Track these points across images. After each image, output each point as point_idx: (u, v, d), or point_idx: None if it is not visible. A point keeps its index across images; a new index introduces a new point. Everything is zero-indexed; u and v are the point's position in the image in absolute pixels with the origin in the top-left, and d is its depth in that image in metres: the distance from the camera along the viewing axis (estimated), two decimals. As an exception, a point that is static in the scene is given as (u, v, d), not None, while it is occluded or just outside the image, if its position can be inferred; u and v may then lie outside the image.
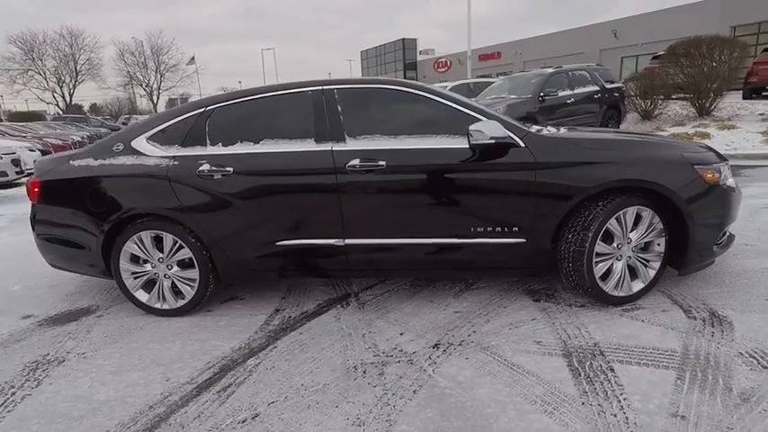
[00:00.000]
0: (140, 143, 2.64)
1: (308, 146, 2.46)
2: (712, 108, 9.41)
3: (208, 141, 2.56)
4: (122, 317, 2.73)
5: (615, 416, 1.60)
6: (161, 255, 2.62)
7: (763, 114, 8.74)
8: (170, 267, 2.64)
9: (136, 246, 2.61)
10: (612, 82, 9.58)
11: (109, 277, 2.77)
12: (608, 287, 2.36)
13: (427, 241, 2.44)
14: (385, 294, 2.84)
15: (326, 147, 2.44)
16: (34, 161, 4.85)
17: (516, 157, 2.30)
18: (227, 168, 2.47)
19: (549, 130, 2.63)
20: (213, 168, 2.48)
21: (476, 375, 1.91)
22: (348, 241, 2.47)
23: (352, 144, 2.43)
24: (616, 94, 9.28)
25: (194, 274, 2.61)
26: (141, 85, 46.18)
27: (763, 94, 12.04)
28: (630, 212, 2.30)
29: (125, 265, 2.64)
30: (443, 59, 50.90)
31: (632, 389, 1.74)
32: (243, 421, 1.72)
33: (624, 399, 1.69)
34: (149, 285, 2.69)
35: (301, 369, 2.05)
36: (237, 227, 2.52)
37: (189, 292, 2.65)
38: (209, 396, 1.89)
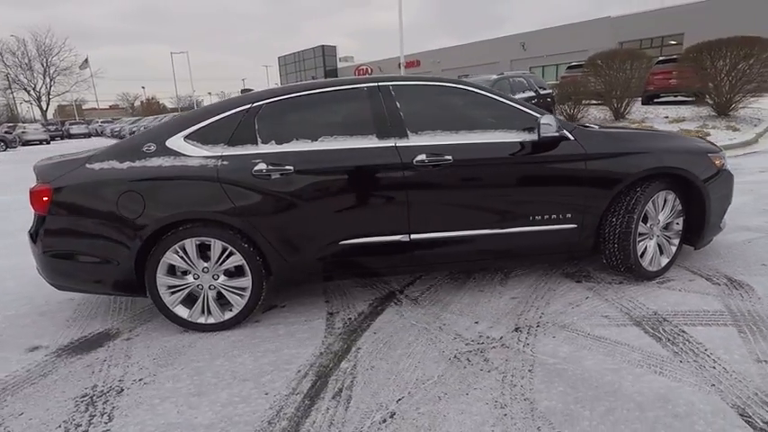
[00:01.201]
0: (177, 143, 2.41)
1: (371, 142, 2.44)
2: (626, 112, 10.81)
3: (259, 139, 2.41)
4: (157, 336, 2.45)
5: (714, 368, 1.83)
6: (205, 264, 2.40)
7: (667, 117, 10.24)
8: (216, 277, 2.43)
9: (177, 256, 2.36)
10: (544, 88, 10.57)
11: (138, 295, 2.47)
12: (645, 263, 2.66)
13: (489, 232, 2.53)
14: (431, 289, 2.88)
15: (390, 143, 2.43)
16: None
17: (569, 149, 2.50)
18: (287, 167, 2.34)
19: (586, 126, 2.88)
20: (270, 167, 2.34)
21: (574, 350, 2.05)
22: (414, 236, 2.48)
23: (415, 140, 2.45)
24: (549, 99, 10.25)
25: (245, 282, 2.43)
26: (26, 90, 40.43)
27: (655, 101, 14.07)
28: (662, 196, 2.62)
29: (162, 279, 2.38)
30: (364, 67, 51.63)
31: (711, 345, 1.99)
32: (383, 421, 1.66)
33: (711, 353, 1.93)
34: (188, 299, 2.45)
35: (404, 365, 2.03)
36: (298, 228, 2.41)
37: (239, 302, 2.46)
38: (327, 403, 1.79)
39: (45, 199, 2.33)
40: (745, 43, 8.37)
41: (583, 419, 1.59)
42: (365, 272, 2.63)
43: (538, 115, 2.53)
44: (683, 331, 2.13)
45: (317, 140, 2.43)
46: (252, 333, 2.44)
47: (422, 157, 2.40)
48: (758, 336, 2.04)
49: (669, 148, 2.62)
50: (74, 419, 1.78)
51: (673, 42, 26.32)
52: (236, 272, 2.44)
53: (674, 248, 2.77)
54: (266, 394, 1.88)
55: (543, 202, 2.54)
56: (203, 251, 2.40)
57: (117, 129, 31.32)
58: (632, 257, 2.59)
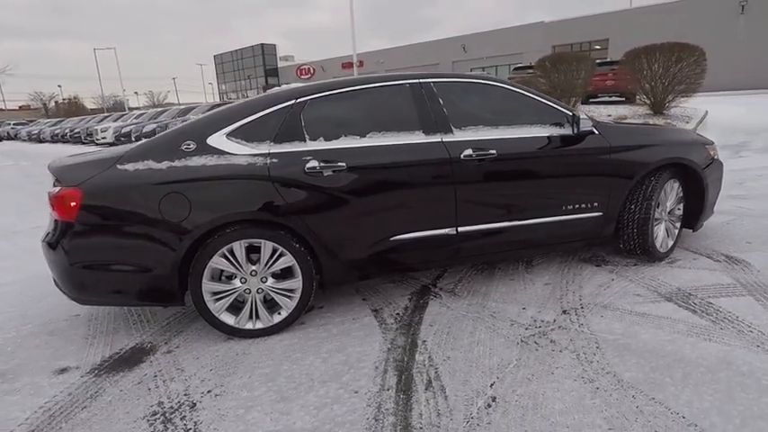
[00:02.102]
0: (219, 141, 2.28)
1: (418, 138, 2.47)
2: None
3: (306, 136, 2.35)
4: (202, 346, 2.31)
5: (752, 331, 2.08)
6: (253, 267, 2.30)
7: (610, 116, 11.17)
8: (264, 280, 2.34)
9: (224, 259, 2.24)
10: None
11: (175, 304, 2.31)
12: (657, 246, 2.93)
13: (528, 222, 2.66)
14: (462, 281, 2.96)
15: (436, 138, 2.48)
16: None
17: (595, 142, 2.69)
18: (340, 164, 2.31)
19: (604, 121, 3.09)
20: (323, 164, 2.29)
21: (626, 327, 2.22)
22: (461, 229, 2.55)
23: (459, 135, 2.51)
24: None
25: (294, 283, 2.36)
26: None
27: (591, 100, 15.27)
28: (670, 184, 2.90)
29: (208, 285, 2.25)
30: (306, 66, 50.88)
31: (739, 313, 2.26)
32: (488, 406, 1.71)
33: (743, 320, 2.19)
34: (233, 304, 2.33)
35: (477, 353, 2.09)
36: (352, 225, 2.38)
37: (288, 304, 2.38)
38: (424, 395, 1.80)
39: (73, 204, 2.11)
40: (676, 49, 9.36)
41: (668, 385, 1.75)
42: (413, 267, 2.65)
43: (566, 111, 2.70)
44: (711, 303, 2.39)
45: (365, 137, 2.42)
46: (304, 335, 2.38)
47: (468, 151, 2.47)
48: (773, 302, 2.34)
49: (676, 140, 2.91)
50: (156, 439, 1.65)
51: (597, 47, 28.63)
52: (285, 273, 2.36)
53: (676, 231, 3.07)
54: (356, 393, 1.85)
55: (575, 192, 2.71)
56: (250, 254, 2.30)
57: (35, 131, 28.30)
58: (650, 241, 2.84)
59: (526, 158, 2.59)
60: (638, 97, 11.02)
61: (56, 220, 2.23)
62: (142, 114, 21.35)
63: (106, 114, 26.12)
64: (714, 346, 1.99)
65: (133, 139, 17.25)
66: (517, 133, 2.60)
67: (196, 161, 2.22)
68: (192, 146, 2.26)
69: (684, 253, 3.10)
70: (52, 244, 2.22)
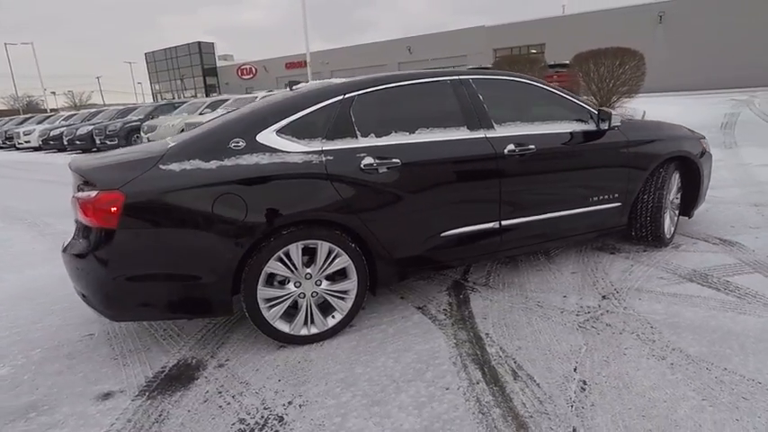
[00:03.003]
0: (269, 138, 2.16)
1: (463, 133, 2.49)
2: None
3: (358, 132, 2.29)
4: (255, 357, 2.17)
5: (775, 304, 2.33)
6: (308, 270, 2.20)
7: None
8: (318, 283, 2.24)
9: (280, 263, 2.13)
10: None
11: (224, 314, 2.16)
12: (665, 233, 3.17)
13: (561, 214, 2.77)
14: (491, 274, 3.03)
15: (480, 134, 2.52)
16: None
17: (616, 137, 2.87)
18: (394, 160, 2.27)
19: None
20: (378, 161, 2.25)
21: (666, 307, 2.39)
22: (504, 223, 2.60)
23: (501, 131, 2.57)
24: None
25: (348, 285, 2.29)
26: None
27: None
28: (675, 175, 3.16)
29: (263, 292, 2.12)
30: (248, 66, 49.26)
31: (757, 289, 2.51)
32: (582, 389, 1.77)
33: (763, 294, 2.43)
34: (282, 310, 2.22)
35: (545, 341, 2.15)
36: (406, 222, 2.35)
37: (343, 307, 2.31)
38: (516, 385, 1.83)
39: (114, 209, 1.89)
40: (619, 53, 10.19)
41: (731, 356, 1.91)
42: (458, 262, 2.67)
43: (589, 107, 2.86)
44: (728, 281, 2.63)
45: (414, 133, 2.40)
46: (360, 338, 2.31)
47: (511, 146, 2.54)
48: (780, 276, 2.63)
49: (678, 135, 3.17)
50: (258, 457, 1.53)
51: (534, 51, 30.36)
52: (339, 275, 2.29)
53: (676, 219, 3.35)
54: (447, 389, 1.83)
55: (600, 184, 2.87)
56: (306, 255, 2.20)
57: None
58: (661, 228, 3.08)
59: (560, 153, 2.71)
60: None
61: (88, 228, 1.99)
62: (72, 115, 19.51)
63: (27, 116, 23.55)
64: (751, 319, 2.20)
65: (65, 142, 15.73)
66: (549, 129, 2.71)
67: (248, 159, 2.08)
68: (241, 143, 2.11)
69: (683, 238, 3.39)
70: (84, 254, 1.99)
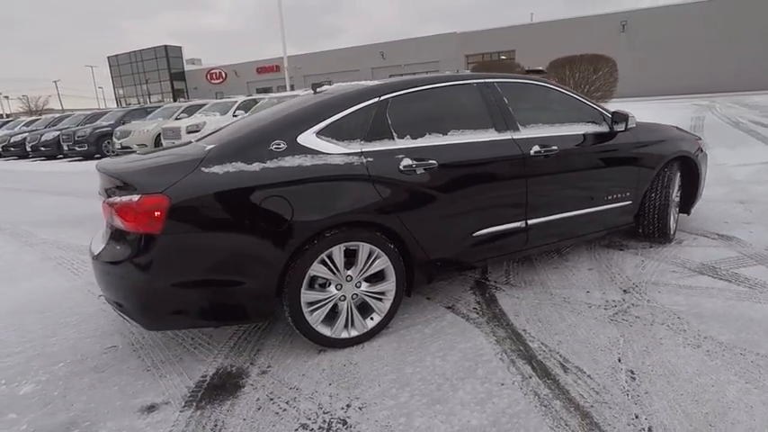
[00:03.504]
0: (310, 139, 2.15)
1: (492, 135, 2.55)
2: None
3: (394, 134, 2.31)
4: (298, 363, 2.14)
5: (785, 292, 2.49)
6: (348, 272, 2.20)
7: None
8: (358, 285, 2.24)
9: (323, 266, 2.11)
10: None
11: (264, 319, 2.13)
12: (670, 230, 3.34)
13: (579, 212, 2.87)
14: (510, 273, 3.09)
15: (507, 136, 2.58)
16: None
17: (626, 138, 3.00)
18: (431, 161, 2.30)
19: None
20: (415, 163, 2.27)
21: (686, 299, 2.51)
22: (530, 222, 2.67)
23: (525, 132, 2.64)
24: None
25: (386, 286, 2.30)
26: None
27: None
28: (677, 174, 3.32)
29: (306, 295, 2.10)
30: (217, 70, 48.30)
31: (764, 278, 2.67)
32: (632, 378, 1.84)
33: (770, 283, 2.61)
34: (325, 313, 2.20)
35: (582, 335, 2.21)
36: (442, 222, 2.38)
37: (382, 308, 2.31)
38: (566, 377, 1.88)
39: (158, 213, 1.83)
40: (594, 60, 10.64)
41: (761, 342, 2.03)
42: (487, 261, 2.71)
43: (602, 109, 2.98)
44: (736, 273, 2.79)
45: (447, 134, 2.44)
46: (399, 338, 2.32)
47: (536, 148, 2.61)
48: (782, 267, 2.82)
49: (679, 136, 3.35)
50: (332, 461, 1.51)
51: (503, 57, 31.22)
52: (377, 277, 2.29)
53: (677, 216, 3.53)
54: (503, 384, 1.87)
55: (615, 183, 2.99)
56: (348, 257, 2.19)
57: None
58: (668, 225, 3.24)
59: (579, 153, 2.81)
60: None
61: (126, 233, 1.92)
62: (34, 121, 18.54)
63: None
64: (767, 307, 2.35)
65: (29, 149, 14.94)
66: (568, 130, 2.81)
67: (291, 161, 2.06)
68: (282, 145, 2.09)
69: (684, 235, 3.57)
70: (122, 261, 1.91)
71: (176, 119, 12.45)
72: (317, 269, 2.10)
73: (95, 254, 2.07)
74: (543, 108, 2.88)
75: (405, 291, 2.37)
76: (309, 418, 1.74)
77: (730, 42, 23.49)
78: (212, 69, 48.20)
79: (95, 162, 2.42)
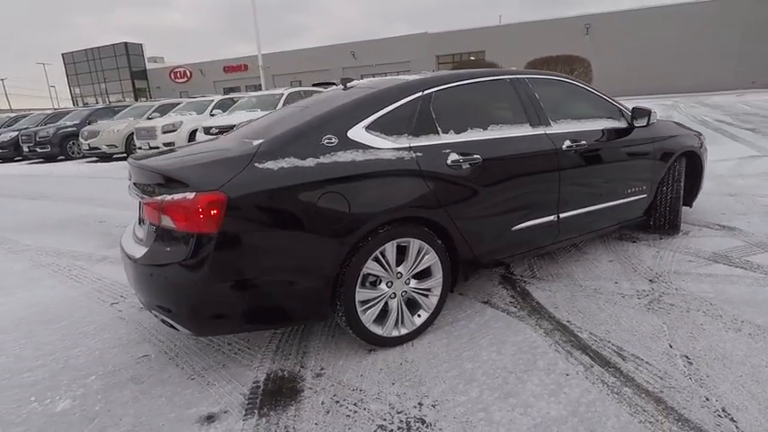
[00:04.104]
0: (360, 134, 2.10)
1: (528, 130, 2.58)
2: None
3: (439, 129, 2.29)
4: (352, 364, 2.09)
5: (799, 276, 2.65)
6: (398, 269, 2.16)
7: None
8: (407, 282, 2.21)
9: (377, 263, 2.07)
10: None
11: (322, 319, 2.07)
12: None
13: (603, 206, 2.95)
14: (533, 267, 3.14)
15: (540, 131, 2.62)
16: None
17: (643, 134, 3.11)
18: (475, 156, 2.30)
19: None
20: (462, 157, 2.26)
21: (711, 286, 2.62)
22: (561, 215, 2.72)
23: (556, 127, 2.69)
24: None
25: (433, 282, 2.28)
26: None
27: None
28: (684, 169, 3.47)
29: (360, 293, 2.05)
30: (182, 69, 46.68)
31: (774, 264, 2.84)
32: (690, 363, 1.90)
33: (783, 269, 2.77)
34: (377, 312, 2.16)
35: (626, 324, 2.27)
36: (485, 217, 2.38)
37: (429, 304, 2.29)
38: (627, 365, 1.92)
39: (214, 212, 1.74)
40: (570, 60, 11.01)
41: (795, 324, 2.15)
42: (522, 256, 2.72)
43: (620, 105, 3.08)
44: (748, 261, 2.95)
45: (487, 129, 2.44)
46: (447, 335, 2.30)
47: (568, 142, 2.66)
48: (788, 254, 3.00)
49: (684, 132, 3.50)
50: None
51: (473, 58, 31.78)
52: (424, 273, 2.26)
53: (682, 208, 3.69)
54: (568, 375, 1.89)
55: (634, 177, 3.09)
56: (399, 254, 2.15)
57: None
58: (678, 217, 3.38)
59: (604, 148, 2.88)
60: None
61: (176, 234, 1.80)
62: (-14, 121, 17.26)
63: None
64: (788, 291, 2.49)
65: (-17, 150, 13.88)
66: (594, 125, 2.88)
67: (344, 156, 2.00)
68: (333, 140, 2.03)
69: (688, 226, 3.73)
70: (171, 264, 1.79)
71: (148, 118, 11.95)
72: (370, 266, 2.06)
73: (136, 257, 1.93)
74: (569, 103, 2.93)
75: (449, 286, 2.37)
76: (385, 419, 1.70)
77: (687, 45, 24.88)
78: (176, 68, 46.52)
79: (128, 159, 2.28)
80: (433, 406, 1.76)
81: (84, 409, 1.86)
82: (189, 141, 10.68)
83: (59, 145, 12.81)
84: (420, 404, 1.78)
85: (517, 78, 2.68)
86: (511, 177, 2.47)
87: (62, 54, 49.42)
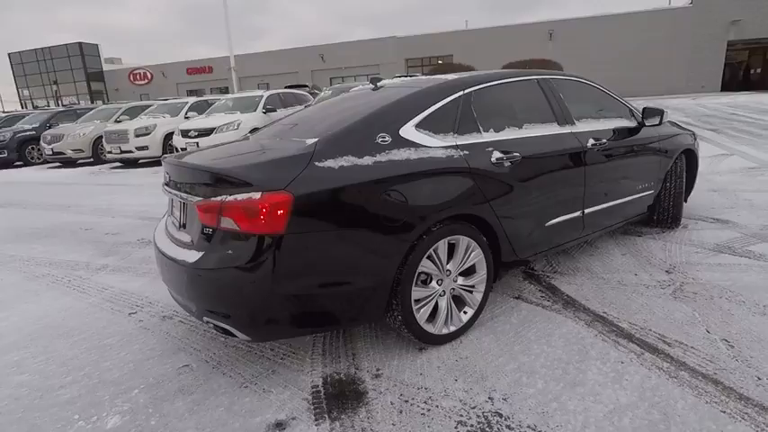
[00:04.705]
0: (410, 132, 2.11)
1: (556, 129, 2.66)
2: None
3: (480, 127, 2.32)
4: (406, 363, 2.09)
5: (799, 263, 2.86)
6: (448, 266, 2.18)
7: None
8: (455, 280, 2.23)
9: (430, 261, 2.08)
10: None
11: (378, 320, 2.05)
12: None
13: (619, 201, 3.08)
14: (551, 264, 3.23)
15: (567, 129, 2.71)
16: None
17: (651, 132, 3.27)
18: (515, 154, 2.35)
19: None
20: (504, 156, 2.30)
21: (723, 274, 2.79)
22: (586, 211, 2.81)
23: (580, 126, 2.78)
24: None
25: (477, 278, 2.31)
26: None
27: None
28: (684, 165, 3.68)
29: (415, 292, 2.05)
30: (141, 71, 44.86)
31: (774, 253, 3.06)
32: (731, 346, 2.02)
33: (783, 257, 2.98)
34: (430, 310, 2.16)
35: (659, 311, 2.38)
36: (525, 214, 2.44)
37: (474, 301, 2.31)
38: (677, 350, 2.02)
39: (281, 212, 1.69)
40: (542, 64, 11.40)
41: (811, 306, 2.32)
42: (551, 251, 2.79)
43: (630, 105, 3.23)
44: (750, 250, 3.15)
45: (522, 128, 2.50)
46: (490, 331, 2.33)
47: (592, 140, 2.77)
48: (783, 243, 3.23)
49: (682, 131, 3.71)
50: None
51: (440, 62, 32.30)
52: (469, 270, 2.29)
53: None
54: (623, 363, 1.96)
55: (645, 173, 3.25)
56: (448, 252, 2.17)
57: None
58: (680, 212, 3.57)
59: (621, 146, 3.01)
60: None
61: (236, 236, 1.74)
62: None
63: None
64: (794, 277, 2.68)
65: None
66: (611, 124, 3.01)
67: (398, 155, 2.00)
68: (387, 138, 2.02)
69: (684, 220, 3.94)
70: (234, 268, 1.72)
71: (117, 121, 11.40)
72: (425, 265, 2.06)
73: (189, 262, 1.84)
74: (587, 103, 3.05)
75: (492, 283, 2.40)
76: (461, 415, 1.70)
77: (644, 53, 26.33)
78: (136, 69, 44.62)
79: (165, 159, 2.17)
80: (505, 399, 1.78)
81: (138, 425, 1.75)
82: (164, 145, 10.28)
83: (17, 150, 12.01)
84: (491, 398, 1.79)
85: (543, 79, 2.76)
86: (545, 175, 2.53)
87: (9, 54, 46.34)
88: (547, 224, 2.60)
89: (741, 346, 2.02)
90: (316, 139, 1.97)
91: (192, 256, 1.86)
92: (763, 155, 6.49)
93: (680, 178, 3.51)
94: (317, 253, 1.79)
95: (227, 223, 1.75)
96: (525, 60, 11.63)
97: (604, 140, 2.85)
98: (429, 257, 2.07)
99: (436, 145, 2.14)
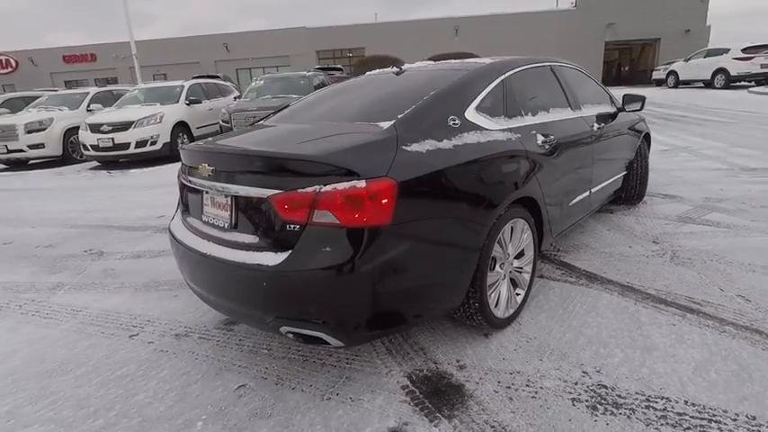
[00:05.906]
0: (474, 115, 2.07)
1: (570, 113, 2.79)
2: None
3: (521, 111, 2.34)
4: (483, 352, 2.06)
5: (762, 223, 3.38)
6: (508, 250, 2.19)
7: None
8: (512, 262, 2.24)
9: (499, 246, 2.06)
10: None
11: (447, 313, 1.98)
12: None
13: (611, 179, 3.36)
14: (553, 244, 3.41)
15: (577, 114, 2.86)
16: None
17: (629, 117, 3.60)
18: (551, 137, 2.42)
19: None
20: (544, 138, 2.36)
21: (699, 241, 3.19)
22: (592, 190, 3.01)
23: (584, 111, 2.96)
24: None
25: (526, 260, 2.36)
26: None
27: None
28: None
29: (489, 277, 2.02)
30: (4, 57, 37.92)
31: (727, 221, 3.55)
32: (748, 301, 2.31)
33: (735, 224, 3.48)
34: (498, 294, 2.16)
35: (674, 277, 2.65)
36: (560, 194, 2.53)
37: (525, 282, 2.36)
38: (709, 310, 2.25)
39: (386, 201, 1.53)
40: (464, 57, 11.95)
41: (784, 260, 2.76)
42: (570, 229, 2.93)
43: (606, 90, 3.52)
44: (706, 219, 3.64)
45: (549, 112, 2.58)
46: (539, 308, 2.40)
47: (595, 124, 2.96)
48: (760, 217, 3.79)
49: (640, 119, 4.14)
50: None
51: (350, 55, 32.27)
52: (520, 252, 2.32)
53: (633, 180, 4.38)
54: (674, 325, 2.15)
55: (624, 154, 3.57)
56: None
57: None
58: (645, 188, 4.00)
59: (611, 129, 3.27)
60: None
61: (335, 230, 1.54)
62: None
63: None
64: (757, 238, 3.15)
65: None
66: (602, 109, 3.25)
67: (467, 138, 1.94)
68: (457, 121, 1.95)
69: (639, 196, 4.44)
70: (334, 267, 1.53)
71: (87, 110, 9.39)
72: (496, 249, 2.04)
73: (269, 265, 1.58)
74: (583, 89, 3.25)
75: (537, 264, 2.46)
76: (570, 392, 1.72)
77: (538, 49, 28.96)
78: (-7, 55, 37.61)
79: (207, 144, 1.83)
80: (598, 371, 1.84)
81: (228, 460, 1.49)
82: (65, 141, 8.82)
83: None
84: (585, 372, 1.84)
85: (553, 65, 2.88)
86: (572, 157, 2.66)
87: None
88: (570, 204, 2.74)
89: (756, 300, 2.34)
90: (391, 123, 1.82)
91: (270, 258, 1.61)
92: (669, 139, 7.55)
93: (645, 159, 3.94)
94: (418, 244, 1.66)
95: (324, 217, 1.54)
96: (448, 53, 12.11)
97: (603, 124, 3.08)
98: (498, 242, 2.05)
99: (495, 128, 2.12)
